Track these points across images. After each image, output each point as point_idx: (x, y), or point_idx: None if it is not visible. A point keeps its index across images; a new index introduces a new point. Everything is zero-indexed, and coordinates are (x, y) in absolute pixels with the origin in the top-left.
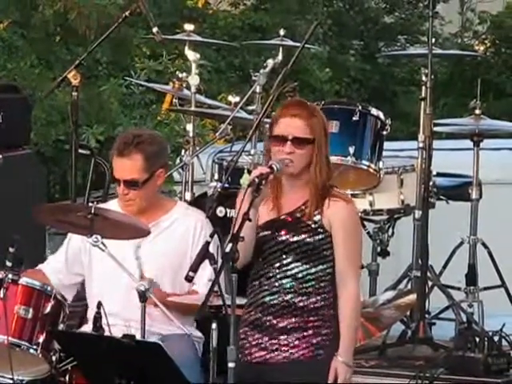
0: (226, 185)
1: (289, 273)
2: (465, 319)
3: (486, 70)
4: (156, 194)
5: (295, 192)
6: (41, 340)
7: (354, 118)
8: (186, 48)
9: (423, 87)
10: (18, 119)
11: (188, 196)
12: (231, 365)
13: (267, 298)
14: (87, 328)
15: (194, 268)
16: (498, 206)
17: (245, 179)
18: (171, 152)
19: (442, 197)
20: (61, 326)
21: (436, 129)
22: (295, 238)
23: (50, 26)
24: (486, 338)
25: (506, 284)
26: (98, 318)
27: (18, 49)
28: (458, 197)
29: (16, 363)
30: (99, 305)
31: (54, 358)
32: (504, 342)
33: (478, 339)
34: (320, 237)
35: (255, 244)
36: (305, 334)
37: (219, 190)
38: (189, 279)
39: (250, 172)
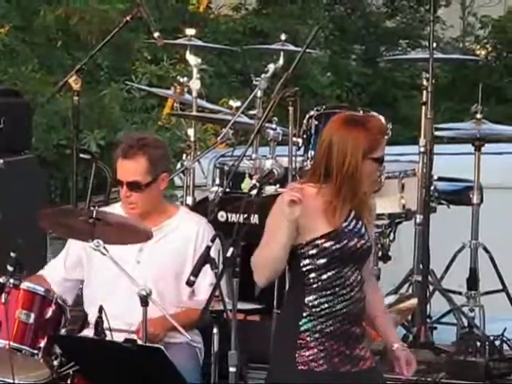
0: (228, 189)
1: (359, 279)
2: (466, 324)
3: (488, 75)
4: (159, 199)
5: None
6: (42, 344)
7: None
8: (188, 52)
9: (424, 92)
10: (19, 124)
11: (189, 200)
12: (232, 369)
13: (348, 308)
14: (88, 332)
15: (195, 272)
16: (500, 210)
17: (246, 184)
18: (172, 157)
19: (443, 201)
20: (62, 331)
21: (437, 133)
22: (366, 245)
23: (51, 31)
24: (487, 343)
25: (508, 288)
26: (99, 323)
27: (19, 53)
28: (459, 201)
29: (17, 368)
30: (101, 309)
31: (55, 363)
32: (505, 347)
33: (479, 344)
34: (371, 241)
35: (321, 254)
36: (363, 341)
37: (220, 194)
38: (190, 284)
39: (251, 177)
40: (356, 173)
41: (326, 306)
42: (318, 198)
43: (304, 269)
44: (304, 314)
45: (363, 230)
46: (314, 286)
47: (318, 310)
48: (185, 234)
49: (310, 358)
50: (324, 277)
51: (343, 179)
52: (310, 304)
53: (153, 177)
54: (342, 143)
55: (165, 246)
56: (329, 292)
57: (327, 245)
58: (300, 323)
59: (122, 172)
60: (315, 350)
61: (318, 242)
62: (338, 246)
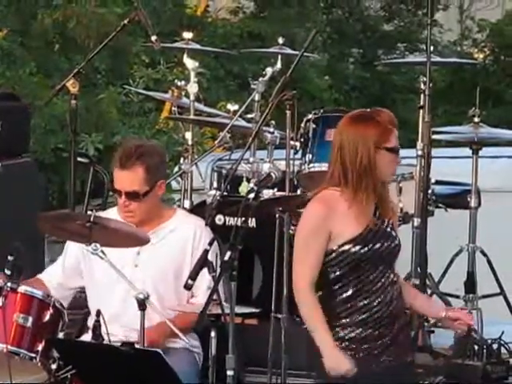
0: (225, 193)
1: (392, 280)
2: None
3: (485, 78)
4: (157, 205)
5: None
6: (40, 348)
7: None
8: (185, 56)
9: (422, 95)
10: (17, 127)
11: (187, 204)
12: (230, 373)
13: (381, 312)
14: (87, 337)
15: (193, 276)
16: (497, 213)
17: (244, 187)
18: (170, 160)
19: (440, 205)
20: (60, 335)
21: (435, 137)
22: (394, 244)
23: (48, 35)
24: (484, 346)
25: (505, 292)
26: (97, 326)
27: (17, 57)
28: (456, 205)
29: (15, 371)
30: (98, 313)
31: (53, 366)
32: (503, 350)
33: (476, 347)
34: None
35: (349, 260)
36: (401, 337)
37: (218, 198)
38: (188, 287)
39: (248, 180)
40: (370, 164)
41: (357, 315)
42: (342, 201)
43: (332, 275)
44: (334, 324)
45: (389, 229)
46: (344, 295)
47: (348, 320)
48: (182, 235)
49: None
50: (353, 284)
51: (360, 175)
52: (342, 315)
53: (150, 185)
54: (352, 140)
55: (162, 249)
56: (359, 300)
57: (355, 249)
58: (332, 332)
59: (119, 182)
60: (352, 353)
61: (346, 247)
62: (365, 249)
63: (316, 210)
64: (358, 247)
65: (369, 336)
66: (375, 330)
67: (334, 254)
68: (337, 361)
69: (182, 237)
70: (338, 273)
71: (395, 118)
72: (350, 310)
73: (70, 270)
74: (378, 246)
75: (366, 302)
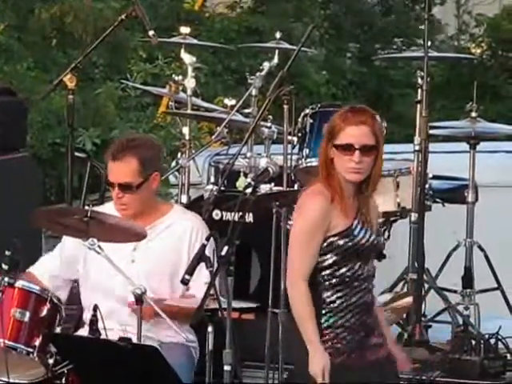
0: (222, 188)
1: (371, 272)
2: (461, 322)
3: (483, 73)
4: (152, 198)
5: (357, 195)
6: (37, 343)
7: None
8: (182, 51)
9: (419, 90)
10: (14, 122)
11: (184, 199)
12: (227, 368)
13: (362, 299)
14: (83, 331)
15: (190, 271)
16: (494, 208)
17: (241, 182)
18: (167, 155)
19: (438, 199)
20: (57, 329)
21: (432, 131)
22: (376, 241)
23: (46, 30)
24: (482, 341)
25: (502, 287)
26: (94, 321)
27: (15, 52)
28: (454, 199)
29: (12, 366)
30: (95, 308)
31: (50, 361)
32: (500, 345)
33: (474, 342)
34: (379, 236)
35: (336, 252)
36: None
37: (215, 193)
38: (184, 282)
39: (246, 175)
40: (326, 162)
41: (343, 300)
42: (329, 195)
43: (319, 266)
44: (323, 312)
45: (370, 225)
46: (330, 282)
47: (335, 305)
48: (178, 231)
49: (336, 353)
50: (339, 273)
51: (323, 172)
52: (328, 300)
53: (144, 177)
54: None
55: (159, 245)
56: (344, 286)
57: (341, 242)
58: (321, 321)
59: (112, 174)
60: (339, 345)
61: (332, 239)
62: (350, 243)
63: (319, 202)
64: (343, 240)
65: (354, 323)
66: (360, 317)
67: (324, 244)
68: (312, 359)
69: (179, 233)
70: (324, 263)
71: (348, 113)
72: (336, 295)
73: (66, 263)
74: (362, 241)
75: (348, 289)
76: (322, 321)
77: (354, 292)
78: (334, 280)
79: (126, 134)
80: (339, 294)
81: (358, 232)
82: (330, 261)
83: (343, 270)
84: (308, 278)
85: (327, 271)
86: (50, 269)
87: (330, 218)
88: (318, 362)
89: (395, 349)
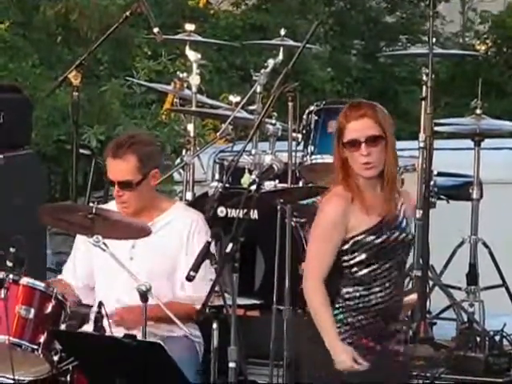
0: (227, 185)
1: (400, 277)
2: (466, 319)
3: (488, 70)
4: (152, 195)
5: (378, 191)
6: (42, 340)
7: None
8: (187, 48)
9: (424, 87)
10: (19, 119)
11: (189, 196)
12: (232, 365)
13: (383, 305)
14: (88, 328)
15: (195, 268)
16: (499, 205)
17: (246, 179)
18: (171, 152)
19: (442, 196)
20: (62, 326)
21: (437, 128)
22: (409, 237)
23: (51, 27)
24: (487, 338)
25: (507, 283)
26: (98, 318)
27: (20, 49)
28: (458, 196)
29: (17, 363)
30: (100, 305)
31: (55, 358)
32: (505, 342)
33: (479, 339)
34: (413, 229)
35: (362, 250)
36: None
37: (220, 190)
38: (189, 279)
39: (250, 172)
40: (340, 164)
41: (361, 300)
42: (349, 196)
43: (344, 264)
44: (337, 306)
45: (403, 223)
46: (352, 279)
47: (351, 303)
48: (178, 228)
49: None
50: (362, 272)
51: (339, 175)
52: (346, 296)
53: (143, 174)
54: None
55: (157, 242)
56: (365, 287)
57: (368, 239)
58: (333, 313)
59: (112, 171)
60: (344, 342)
61: (359, 237)
62: (378, 240)
63: (334, 204)
64: (370, 238)
65: (365, 326)
66: (375, 321)
67: (346, 245)
68: (341, 355)
69: (178, 230)
70: (349, 262)
71: (350, 110)
72: (354, 294)
73: (82, 268)
74: (391, 238)
75: (369, 291)
76: (333, 314)
77: (375, 296)
78: (357, 278)
79: (124, 132)
80: (358, 294)
81: (386, 229)
82: (358, 259)
83: (368, 269)
84: (324, 278)
85: (354, 269)
86: (76, 273)
87: (349, 218)
88: (344, 351)
89: None
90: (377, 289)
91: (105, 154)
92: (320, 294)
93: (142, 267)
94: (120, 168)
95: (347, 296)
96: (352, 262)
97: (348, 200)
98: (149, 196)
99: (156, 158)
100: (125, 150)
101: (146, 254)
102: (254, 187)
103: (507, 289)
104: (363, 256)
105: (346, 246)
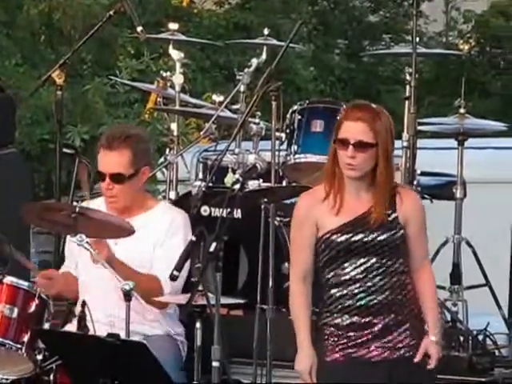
0: (211, 184)
1: (382, 270)
2: (449, 318)
3: (471, 69)
4: (140, 192)
5: (363, 194)
6: (25, 339)
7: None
8: (171, 47)
9: (407, 86)
10: (2, 118)
11: (172, 195)
12: (215, 364)
13: (366, 300)
14: (72, 327)
15: (179, 267)
16: (483, 205)
17: (229, 178)
18: (155, 151)
19: (426, 196)
20: (45, 325)
21: (420, 128)
22: (380, 238)
23: (34, 26)
24: (470, 337)
25: (491, 283)
26: (82, 317)
27: (3, 48)
28: (442, 196)
29: (1, 362)
30: (83, 304)
31: (38, 357)
32: (488, 341)
33: (462, 338)
34: (399, 233)
35: (329, 249)
36: (399, 330)
37: (203, 189)
38: (173, 278)
39: (234, 171)
40: (331, 156)
41: (341, 301)
42: (328, 196)
43: (318, 265)
44: (321, 310)
45: (388, 225)
46: (330, 281)
47: (333, 306)
48: (158, 227)
49: (327, 351)
50: (335, 272)
51: (327, 166)
52: (328, 299)
53: (135, 169)
54: None
55: (139, 240)
56: (343, 287)
57: (332, 239)
58: (321, 317)
59: (104, 163)
60: (330, 344)
61: (326, 237)
62: (341, 239)
63: (301, 202)
64: (335, 236)
65: (354, 324)
66: (362, 318)
67: (318, 244)
68: (298, 357)
69: (158, 228)
70: (322, 262)
71: (349, 110)
72: (334, 296)
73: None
74: (357, 237)
75: (348, 290)
76: (321, 318)
77: (355, 292)
78: (333, 279)
79: (119, 125)
80: (338, 295)
81: (357, 229)
82: (326, 258)
83: (339, 268)
84: (305, 277)
85: (326, 269)
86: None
87: (317, 214)
88: (304, 360)
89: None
90: (355, 285)
91: (98, 146)
92: (298, 295)
93: None
94: (114, 160)
95: (329, 299)
96: (321, 262)
97: (317, 199)
98: (137, 193)
99: (148, 155)
100: (120, 143)
101: (128, 252)
102: (237, 186)
103: (490, 288)
104: (329, 255)
105: (317, 245)
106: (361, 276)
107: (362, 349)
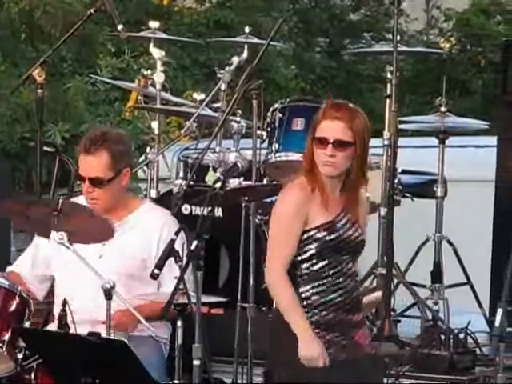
0: (192, 182)
1: (354, 270)
2: (430, 317)
3: (452, 68)
4: (122, 194)
5: (337, 192)
6: (6, 338)
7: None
8: (151, 45)
9: (388, 84)
10: None
11: (153, 193)
12: (196, 362)
13: (342, 297)
14: (53, 326)
15: (159, 266)
16: (464, 203)
17: (210, 177)
18: (135, 149)
19: (407, 194)
20: (26, 324)
21: (401, 126)
22: (360, 238)
23: (15, 24)
24: (451, 336)
25: (472, 281)
26: (63, 316)
27: None
28: (423, 194)
29: None
30: (64, 303)
31: (19, 356)
32: (469, 340)
33: (443, 337)
34: (363, 234)
35: (314, 244)
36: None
37: (184, 187)
38: (154, 276)
39: (215, 170)
40: (308, 154)
41: (319, 296)
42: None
43: (297, 259)
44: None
45: (355, 222)
46: (306, 276)
47: (310, 301)
48: (148, 227)
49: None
50: (316, 267)
51: (305, 164)
52: (303, 295)
53: (115, 172)
54: None
55: (128, 240)
56: (321, 282)
57: (320, 235)
58: None
59: (84, 167)
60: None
61: (312, 232)
62: (330, 237)
63: (295, 193)
64: (322, 233)
65: (330, 321)
66: (337, 315)
67: (304, 237)
68: (308, 344)
69: (148, 228)
70: (302, 256)
71: (328, 109)
72: (311, 291)
73: (39, 265)
74: (344, 235)
75: (326, 286)
76: None
77: (333, 289)
78: (310, 275)
79: (97, 127)
80: (315, 290)
81: (340, 227)
82: (308, 254)
83: (321, 264)
84: (286, 267)
85: (305, 265)
86: (29, 267)
87: (308, 209)
88: (315, 346)
89: None
90: (333, 282)
91: (78, 150)
92: (288, 285)
93: (110, 266)
94: (92, 164)
95: (304, 295)
96: (303, 256)
97: (307, 191)
98: (119, 195)
99: (128, 156)
100: (98, 147)
101: (115, 254)
102: (218, 185)
103: (471, 287)
104: (314, 251)
105: (302, 238)
106: (338, 274)
107: (331, 348)
